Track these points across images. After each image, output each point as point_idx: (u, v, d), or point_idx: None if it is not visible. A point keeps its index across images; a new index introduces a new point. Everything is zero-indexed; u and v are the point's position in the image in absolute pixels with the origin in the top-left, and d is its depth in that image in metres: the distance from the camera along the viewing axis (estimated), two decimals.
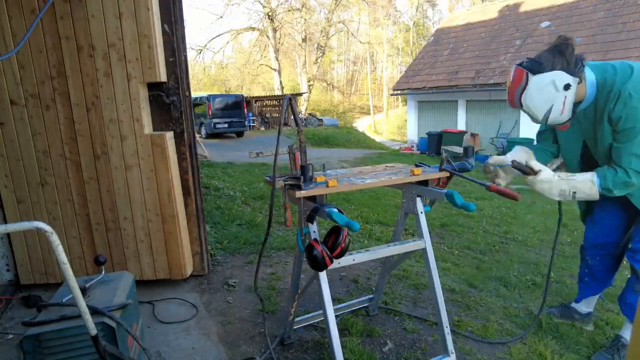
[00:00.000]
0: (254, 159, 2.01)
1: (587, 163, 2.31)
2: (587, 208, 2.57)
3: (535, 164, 2.12)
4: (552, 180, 2.05)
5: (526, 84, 1.96)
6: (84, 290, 1.89)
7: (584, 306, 2.72)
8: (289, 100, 1.92)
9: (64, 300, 1.84)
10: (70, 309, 1.77)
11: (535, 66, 1.96)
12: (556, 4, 14.20)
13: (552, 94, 1.95)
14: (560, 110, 1.99)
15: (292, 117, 1.97)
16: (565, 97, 1.96)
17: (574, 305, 2.75)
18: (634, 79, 1.95)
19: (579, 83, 1.96)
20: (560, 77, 1.93)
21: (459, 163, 2.20)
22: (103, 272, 2.13)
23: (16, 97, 2.81)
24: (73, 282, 1.36)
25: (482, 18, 16.93)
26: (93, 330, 1.49)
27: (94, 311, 1.67)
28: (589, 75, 2.02)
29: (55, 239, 1.28)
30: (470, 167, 2.20)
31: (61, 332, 1.67)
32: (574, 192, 2.03)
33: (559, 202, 2.34)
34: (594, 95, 2.04)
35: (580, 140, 2.29)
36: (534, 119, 2.06)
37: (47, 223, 1.26)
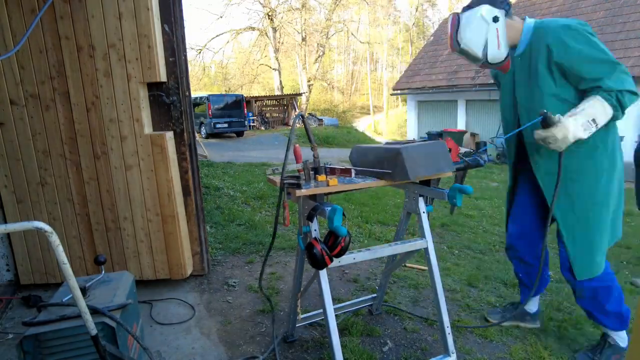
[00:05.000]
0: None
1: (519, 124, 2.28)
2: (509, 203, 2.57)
3: (551, 115, 2.01)
4: (567, 124, 1.91)
5: (458, 22, 2.08)
6: (84, 290, 1.88)
7: (532, 306, 2.67)
8: (301, 118, 1.98)
9: (64, 300, 1.83)
10: (70, 309, 1.77)
11: (465, 7, 2.12)
12: (556, 4, 14.20)
13: (483, 27, 2.04)
14: (496, 44, 2.05)
15: (306, 132, 2.00)
16: (497, 29, 2.05)
17: (524, 308, 2.66)
18: (569, 20, 2.02)
19: (506, 16, 2.07)
20: (487, 9, 2.04)
21: (472, 158, 2.25)
22: (103, 272, 2.13)
23: (16, 97, 2.81)
24: (73, 282, 1.36)
25: None
26: (93, 330, 1.49)
27: (94, 311, 1.67)
28: (528, 21, 2.12)
29: (55, 239, 1.28)
30: (483, 162, 2.27)
31: (61, 332, 1.67)
32: (593, 119, 1.94)
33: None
34: (528, 39, 2.10)
35: (512, 96, 2.30)
36: (475, 58, 2.10)
37: (47, 223, 1.26)
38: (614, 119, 1.99)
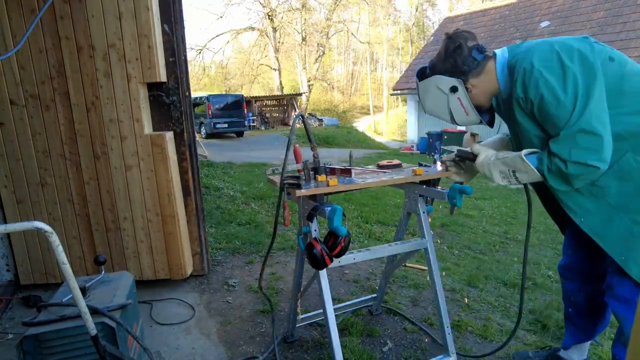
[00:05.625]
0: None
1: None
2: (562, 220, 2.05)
3: (476, 148, 1.88)
4: (489, 162, 1.78)
5: (418, 89, 1.90)
6: (83, 290, 1.88)
7: (576, 354, 2.16)
8: (301, 117, 1.97)
9: (64, 300, 1.83)
10: (70, 309, 1.77)
11: (420, 72, 1.89)
12: (556, 4, 14.19)
13: (442, 98, 1.81)
14: (462, 112, 1.82)
15: (306, 133, 2.00)
16: (459, 98, 1.78)
17: (562, 354, 2.19)
18: (538, 49, 1.62)
19: (475, 69, 1.75)
20: (441, 81, 1.77)
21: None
22: (103, 272, 2.13)
23: (16, 97, 2.80)
24: (73, 282, 1.36)
25: (482, 18, 16.93)
26: (93, 330, 1.49)
27: (94, 311, 1.67)
28: (501, 59, 1.76)
29: (55, 239, 1.28)
30: None
31: (61, 332, 1.67)
32: (513, 171, 1.71)
33: (526, 188, 1.96)
34: (504, 81, 1.76)
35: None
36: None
37: (47, 223, 1.26)
38: (554, 186, 1.66)
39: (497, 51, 1.81)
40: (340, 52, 46.61)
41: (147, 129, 2.91)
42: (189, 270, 3.16)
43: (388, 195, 6.83)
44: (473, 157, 1.88)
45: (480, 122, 1.88)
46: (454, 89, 1.76)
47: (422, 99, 1.89)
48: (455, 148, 2.05)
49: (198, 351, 2.40)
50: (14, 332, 2.52)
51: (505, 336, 2.57)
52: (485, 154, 1.83)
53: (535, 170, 1.65)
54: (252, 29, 30.29)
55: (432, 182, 2.12)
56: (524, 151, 1.68)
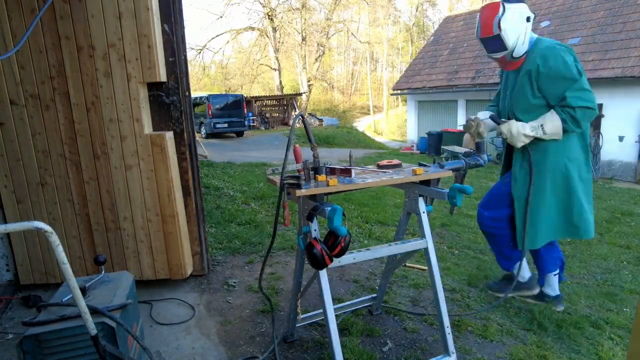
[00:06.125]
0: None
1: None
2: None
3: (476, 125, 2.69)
4: (517, 123, 2.51)
5: (504, 10, 2.37)
6: (83, 290, 1.88)
7: (525, 272, 2.89)
8: (301, 117, 2.00)
9: (64, 300, 1.83)
10: (70, 309, 1.77)
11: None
12: (556, 4, 14.19)
13: (520, 23, 2.38)
14: (523, 40, 2.41)
15: (306, 132, 2.00)
16: (526, 28, 2.40)
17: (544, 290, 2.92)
18: (554, 43, 2.44)
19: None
20: (526, 9, 2.41)
21: (472, 158, 2.26)
22: (103, 272, 2.13)
23: (16, 97, 2.80)
24: (73, 282, 1.36)
25: None
26: (93, 330, 1.49)
27: (93, 311, 1.67)
28: (532, 34, 2.49)
29: (55, 239, 1.28)
30: (483, 162, 2.30)
31: (61, 332, 1.67)
32: (542, 125, 2.43)
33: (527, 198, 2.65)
34: (527, 49, 2.47)
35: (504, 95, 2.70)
36: (502, 46, 2.39)
37: (47, 223, 1.26)
38: (567, 130, 2.42)
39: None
40: (340, 52, 46.63)
41: (147, 128, 2.91)
42: (189, 270, 3.16)
43: (388, 195, 6.83)
44: (497, 122, 2.64)
45: (519, 58, 2.49)
46: (528, 19, 2.40)
47: (503, 19, 2.36)
48: (456, 147, 2.34)
49: (198, 351, 2.40)
50: (14, 332, 2.52)
51: (506, 336, 2.57)
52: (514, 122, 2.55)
53: (559, 118, 2.39)
54: (252, 29, 30.28)
55: (432, 182, 2.12)
56: (551, 112, 2.44)
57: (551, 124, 2.41)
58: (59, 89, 2.82)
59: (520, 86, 2.51)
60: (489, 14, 2.41)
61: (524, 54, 2.46)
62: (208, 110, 17.17)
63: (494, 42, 2.41)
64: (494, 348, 2.44)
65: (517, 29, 2.38)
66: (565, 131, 2.43)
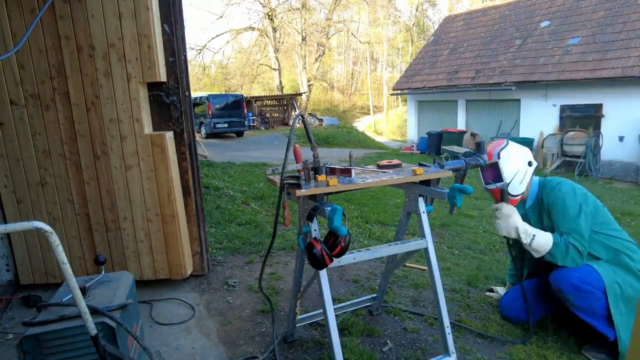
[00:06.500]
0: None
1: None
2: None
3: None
4: (517, 221, 2.37)
5: (507, 144, 2.49)
6: (83, 290, 1.88)
7: None
8: (301, 117, 1.99)
9: (64, 300, 1.83)
10: (70, 309, 1.77)
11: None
12: (556, 4, 14.19)
13: (520, 162, 2.45)
14: (520, 180, 2.45)
15: (306, 132, 2.00)
16: (527, 170, 2.47)
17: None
18: (559, 180, 2.52)
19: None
20: (529, 154, 2.51)
21: (472, 158, 2.25)
22: (103, 272, 2.13)
23: (16, 97, 2.80)
24: (73, 282, 1.36)
25: (482, 18, 16.93)
26: (93, 330, 1.49)
27: (93, 311, 1.67)
28: (534, 178, 2.56)
29: (55, 239, 1.28)
30: (483, 162, 2.28)
31: (61, 332, 1.67)
32: (534, 235, 2.34)
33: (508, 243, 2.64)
34: (536, 194, 2.57)
35: None
36: (498, 177, 2.35)
37: (47, 223, 1.26)
38: (551, 257, 2.34)
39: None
40: (340, 52, 46.62)
41: (147, 128, 2.91)
42: (189, 270, 3.16)
43: (388, 195, 6.83)
44: (505, 198, 2.44)
45: (520, 196, 2.50)
46: (530, 164, 2.48)
47: (504, 151, 2.45)
48: (456, 147, 2.23)
49: (198, 351, 2.40)
50: (14, 332, 2.52)
51: (506, 336, 2.57)
52: (516, 215, 2.41)
53: (552, 245, 2.31)
54: (252, 29, 30.29)
55: (432, 182, 2.12)
56: (552, 241, 2.33)
57: (542, 240, 2.32)
58: (59, 89, 2.82)
59: (543, 218, 2.54)
60: (494, 145, 2.50)
61: (519, 195, 2.46)
62: (208, 110, 17.17)
63: (491, 171, 2.37)
64: (494, 348, 2.44)
65: (515, 166, 2.43)
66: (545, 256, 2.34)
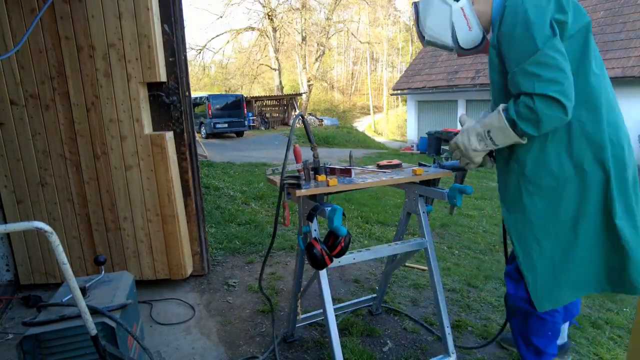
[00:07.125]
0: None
1: None
2: None
3: (463, 118, 1.83)
4: (468, 128, 1.73)
5: (417, 12, 1.83)
6: (83, 290, 1.88)
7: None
8: (301, 117, 1.98)
9: (64, 300, 1.83)
10: (70, 309, 1.77)
11: None
12: None
13: (444, 10, 1.73)
14: (465, 25, 1.73)
15: (306, 132, 2.00)
16: (462, 8, 1.71)
17: None
18: None
19: None
20: None
21: None
22: (103, 272, 2.13)
23: (16, 97, 2.80)
24: (73, 282, 1.36)
25: None
26: (93, 331, 1.49)
27: (93, 311, 1.67)
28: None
29: (55, 239, 1.28)
30: None
31: (61, 332, 1.67)
32: (488, 131, 1.65)
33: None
34: (478, 29, 1.75)
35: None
36: (446, 47, 1.80)
37: (47, 223, 1.26)
38: (523, 134, 1.58)
39: None
40: (340, 52, 46.62)
41: (147, 129, 2.91)
42: (189, 270, 3.16)
43: (388, 195, 6.83)
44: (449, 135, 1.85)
45: (481, 42, 1.76)
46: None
47: (422, 22, 1.81)
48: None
49: (198, 351, 2.40)
50: (14, 332, 2.52)
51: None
52: (466, 124, 1.78)
53: (506, 122, 1.57)
54: (252, 29, 30.31)
55: (432, 182, 2.12)
56: (501, 105, 1.63)
57: (498, 128, 1.62)
58: (59, 89, 2.82)
59: (490, 72, 1.75)
60: (414, 24, 1.88)
61: (484, 39, 1.75)
62: (208, 110, 17.18)
63: (436, 47, 1.86)
64: (494, 348, 2.44)
65: (443, 22, 1.75)
66: (523, 135, 1.59)
